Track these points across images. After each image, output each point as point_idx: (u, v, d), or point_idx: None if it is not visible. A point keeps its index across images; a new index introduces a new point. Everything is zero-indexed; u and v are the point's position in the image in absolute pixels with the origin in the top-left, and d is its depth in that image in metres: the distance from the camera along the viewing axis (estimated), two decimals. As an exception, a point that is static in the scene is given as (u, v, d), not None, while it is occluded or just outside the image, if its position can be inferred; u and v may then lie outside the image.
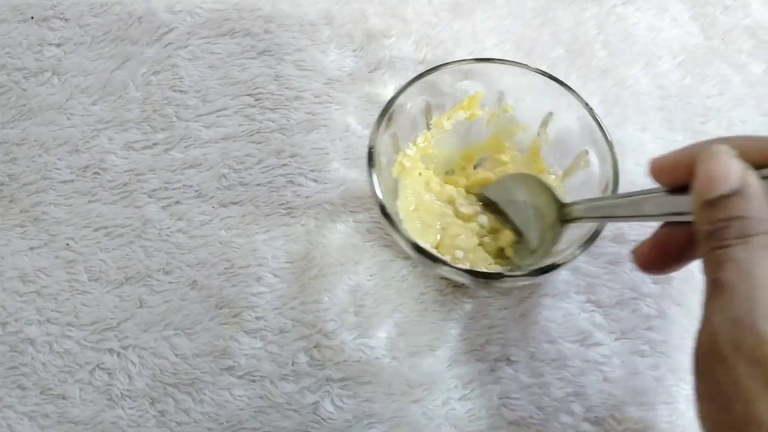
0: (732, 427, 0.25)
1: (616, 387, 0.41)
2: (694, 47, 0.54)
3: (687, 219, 0.29)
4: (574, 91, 0.41)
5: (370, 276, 0.44)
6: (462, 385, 0.41)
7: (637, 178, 0.46)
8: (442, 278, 0.43)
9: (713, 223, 0.26)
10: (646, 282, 0.44)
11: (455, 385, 0.41)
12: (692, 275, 0.45)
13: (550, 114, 0.43)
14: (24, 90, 0.51)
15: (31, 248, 0.45)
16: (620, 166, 0.39)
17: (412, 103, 0.42)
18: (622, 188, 0.38)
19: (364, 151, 0.48)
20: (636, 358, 0.42)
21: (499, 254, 0.42)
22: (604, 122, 0.40)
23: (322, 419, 0.40)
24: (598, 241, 0.45)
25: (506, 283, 0.39)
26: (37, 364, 0.41)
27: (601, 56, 0.53)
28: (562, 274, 0.44)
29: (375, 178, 0.39)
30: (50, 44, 0.52)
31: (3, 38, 0.53)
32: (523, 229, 0.42)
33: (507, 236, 0.42)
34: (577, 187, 0.42)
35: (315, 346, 0.42)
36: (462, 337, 0.42)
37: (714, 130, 0.50)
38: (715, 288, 0.26)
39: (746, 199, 0.26)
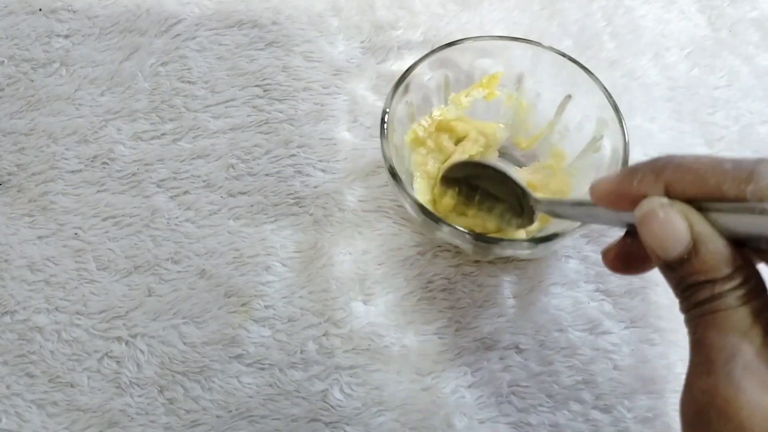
0: None
1: (625, 375, 0.40)
2: (701, 39, 0.54)
3: None
4: (593, 74, 0.41)
5: (379, 265, 0.44)
6: (471, 373, 0.41)
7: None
8: (448, 247, 0.43)
9: (680, 281, 0.26)
10: (655, 271, 0.44)
11: (464, 372, 0.41)
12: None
13: (569, 97, 0.43)
14: (32, 81, 0.51)
15: (40, 237, 0.45)
16: (629, 156, 0.38)
17: (430, 75, 0.42)
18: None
19: (372, 142, 0.48)
20: (645, 346, 0.41)
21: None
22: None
23: (332, 407, 0.39)
24: (606, 231, 0.45)
25: (506, 249, 0.38)
26: (45, 353, 0.41)
27: (610, 48, 0.53)
28: (571, 264, 0.44)
29: (386, 141, 0.39)
30: (58, 36, 0.52)
31: (11, 30, 0.53)
32: (502, 196, 0.40)
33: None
34: (585, 170, 0.42)
35: (324, 335, 0.41)
36: (471, 325, 0.42)
37: (722, 120, 0.50)
38: (696, 348, 0.25)
39: (703, 260, 0.24)
